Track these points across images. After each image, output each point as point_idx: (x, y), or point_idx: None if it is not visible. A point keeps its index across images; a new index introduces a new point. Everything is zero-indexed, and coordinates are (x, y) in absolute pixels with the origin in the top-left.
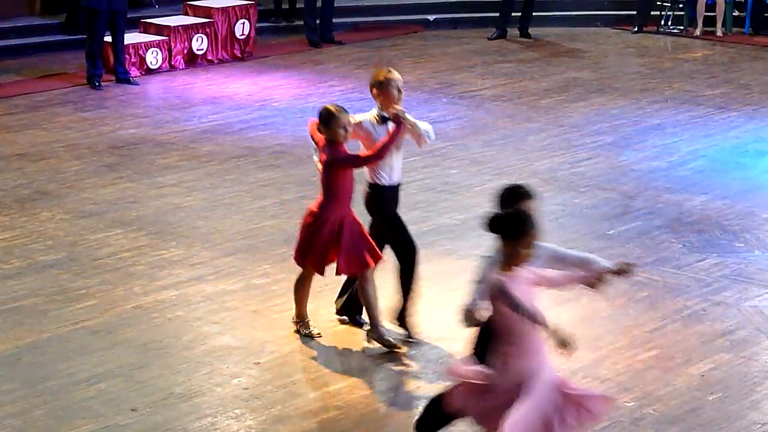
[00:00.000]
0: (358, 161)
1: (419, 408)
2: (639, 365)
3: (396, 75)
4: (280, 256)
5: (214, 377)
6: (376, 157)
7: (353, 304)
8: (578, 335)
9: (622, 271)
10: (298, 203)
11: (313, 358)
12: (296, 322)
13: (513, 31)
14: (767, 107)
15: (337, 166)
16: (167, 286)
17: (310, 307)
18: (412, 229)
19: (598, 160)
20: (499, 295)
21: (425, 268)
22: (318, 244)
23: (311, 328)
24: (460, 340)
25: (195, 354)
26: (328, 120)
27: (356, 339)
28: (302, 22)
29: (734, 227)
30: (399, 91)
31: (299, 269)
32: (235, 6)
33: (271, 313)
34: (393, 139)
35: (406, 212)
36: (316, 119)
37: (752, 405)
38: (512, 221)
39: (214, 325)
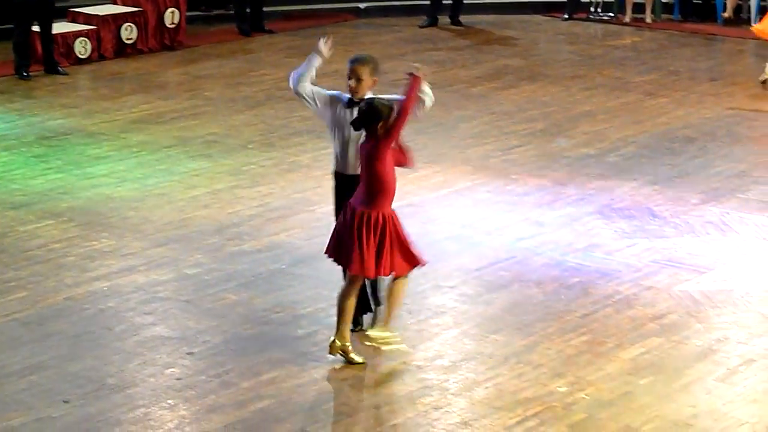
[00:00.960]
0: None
1: (351, 394)
2: (571, 350)
3: None
4: (212, 246)
5: (147, 368)
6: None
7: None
8: (510, 321)
9: None
10: (230, 193)
11: (246, 348)
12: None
13: (444, 19)
14: (696, 93)
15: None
16: (99, 277)
17: (245, 296)
18: None
19: (529, 147)
20: None
21: None
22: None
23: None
24: (399, 328)
25: (127, 345)
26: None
27: (288, 329)
28: (232, 11)
29: (664, 213)
30: None
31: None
32: None
33: (204, 303)
34: (413, 92)
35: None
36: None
37: (683, 388)
38: None
39: (146, 315)
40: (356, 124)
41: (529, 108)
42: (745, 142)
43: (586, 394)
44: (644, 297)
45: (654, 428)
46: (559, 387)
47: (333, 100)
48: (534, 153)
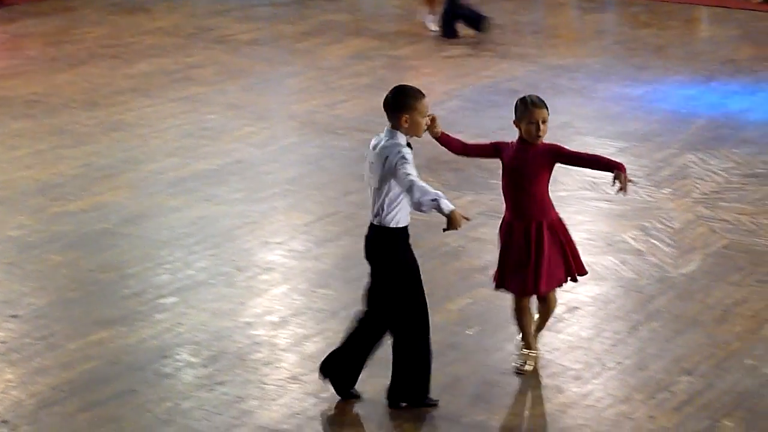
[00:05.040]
0: None
1: (180, 353)
2: None
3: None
4: (35, 207)
5: None
6: None
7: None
8: (339, 276)
9: None
10: (53, 153)
11: (73, 309)
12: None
13: None
14: (519, 46)
15: None
16: None
17: (70, 257)
18: (171, 176)
19: (355, 102)
20: None
21: (186, 215)
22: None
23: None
24: (227, 285)
25: None
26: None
27: (116, 289)
28: None
29: (490, 165)
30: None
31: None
32: None
33: (28, 265)
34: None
35: (164, 158)
36: None
37: (509, 337)
38: None
39: None
40: None
41: (354, 63)
42: (568, 94)
43: None
44: (471, 249)
45: (481, 377)
46: (387, 340)
47: None
48: (360, 108)
